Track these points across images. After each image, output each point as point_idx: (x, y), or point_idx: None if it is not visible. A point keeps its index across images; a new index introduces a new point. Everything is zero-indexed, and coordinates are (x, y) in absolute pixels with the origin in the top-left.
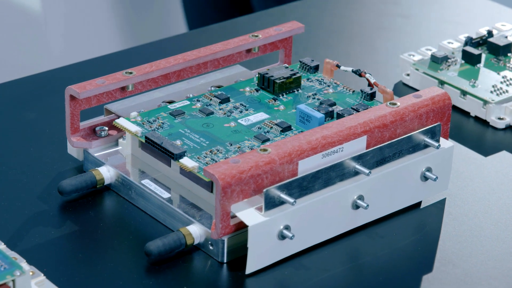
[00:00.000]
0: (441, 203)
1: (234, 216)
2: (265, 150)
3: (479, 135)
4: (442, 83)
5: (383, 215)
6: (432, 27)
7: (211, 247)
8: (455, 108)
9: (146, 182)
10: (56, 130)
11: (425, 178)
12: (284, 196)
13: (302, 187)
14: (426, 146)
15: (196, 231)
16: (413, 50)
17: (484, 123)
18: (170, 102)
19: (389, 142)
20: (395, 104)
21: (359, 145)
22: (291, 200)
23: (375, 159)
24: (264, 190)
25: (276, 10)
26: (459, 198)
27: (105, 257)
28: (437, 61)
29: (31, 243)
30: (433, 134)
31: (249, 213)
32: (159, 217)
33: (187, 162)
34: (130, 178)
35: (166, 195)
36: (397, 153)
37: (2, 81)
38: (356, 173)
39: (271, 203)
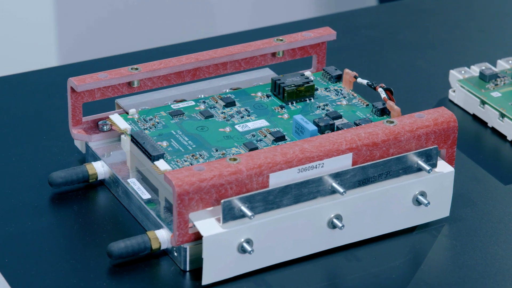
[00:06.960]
0: (437, 231)
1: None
2: (234, 159)
3: (511, 161)
4: (483, 102)
5: (366, 238)
6: (505, 43)
7: (175, 254)
8: (493, 131)
9: (132, 181)
10: None
11: (418, 202)
12: (244, 208)
13: (268, 201)
14: (420, 169)
15: (163, 236)
16: (469, 65)
17: None
18: (181, 101)
19: (374, 161)
20: (392, 122)
21: (343, 163)
22: (249, 213)
23: (356, 178)
24: (222, 201)
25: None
26: (459, 227)
27: (69, 253)
28: (484, 79)
29: (2, 234)
30: (429, 157)
31: (206, 223)
32: (139, 218)
33: (161, 164)
34: (118, 175)
35: (146, 195)
36: (384, 174)
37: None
38: (334, 191)
39: (231, 215)
